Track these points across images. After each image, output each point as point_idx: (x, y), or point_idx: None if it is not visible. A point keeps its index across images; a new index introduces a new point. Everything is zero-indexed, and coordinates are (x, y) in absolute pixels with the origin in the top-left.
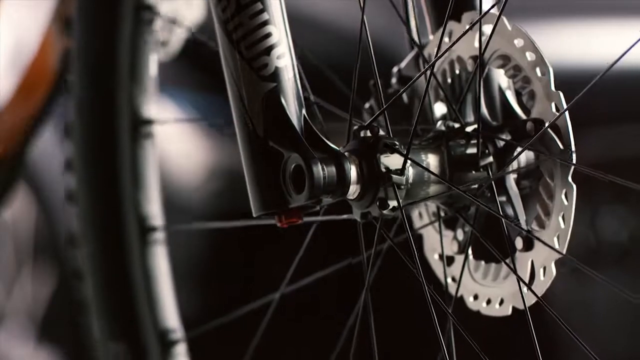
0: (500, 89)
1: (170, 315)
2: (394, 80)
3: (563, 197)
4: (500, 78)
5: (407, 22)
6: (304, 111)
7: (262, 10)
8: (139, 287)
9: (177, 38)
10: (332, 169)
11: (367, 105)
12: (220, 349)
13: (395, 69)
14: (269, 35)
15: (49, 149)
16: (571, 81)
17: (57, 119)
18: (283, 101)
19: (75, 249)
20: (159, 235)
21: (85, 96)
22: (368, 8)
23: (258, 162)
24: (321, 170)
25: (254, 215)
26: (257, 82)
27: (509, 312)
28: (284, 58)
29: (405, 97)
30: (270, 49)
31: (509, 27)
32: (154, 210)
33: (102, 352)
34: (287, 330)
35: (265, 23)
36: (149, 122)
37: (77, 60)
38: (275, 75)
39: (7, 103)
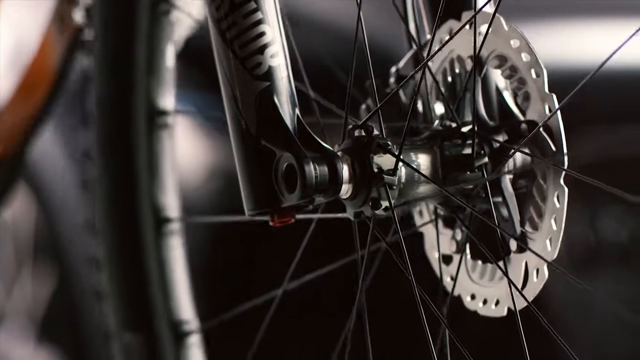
0: (497, 89)
1: (184, 306)
2: (392, 79)
3: (555, 199)
4: (498, 78)
5: (405, 21)
6: (297, 110)
7: (256, 10)
8: (154, 278)
9: (178, 38)
10: (324, 169)
11: (363, 106)
12: (221, 346)
13: (393, 69)
14: (262, 34)
15: (49, 149)
16: (570, 82)
17: (57, 118)
18: (276, 100)
19: (93, 237)
20: (175, 227)
21: (103, 87)
22: (367, 8)
23: (250, 161)
24: (313, 170)
25: (247, 214)
26: (250, 81)
27: (505, 313)
28: (277, 57)
29: (404, 97)
30: (263, 48)
31: (506, 28)
32: (170, 202)
33: (116, 342)
34: (289, 327)
35: (259, 22)
36: (165, 113)
37: (96, 52)
38: (268, 74)
39: (7, 103)
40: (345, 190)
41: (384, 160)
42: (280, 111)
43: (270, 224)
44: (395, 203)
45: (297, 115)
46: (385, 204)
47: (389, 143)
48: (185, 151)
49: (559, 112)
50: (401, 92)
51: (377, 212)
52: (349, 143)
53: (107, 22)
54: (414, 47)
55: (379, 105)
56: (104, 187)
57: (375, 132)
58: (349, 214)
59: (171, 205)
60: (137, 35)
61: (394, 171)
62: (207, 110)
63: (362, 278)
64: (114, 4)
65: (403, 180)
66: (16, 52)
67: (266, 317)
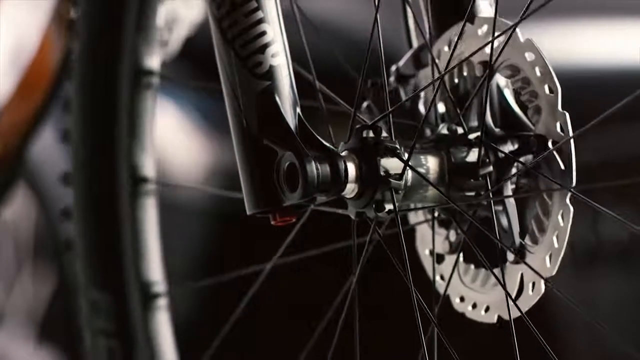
0: (507, 98)
1: (154, 267)
2: (392, 78)
3: (559, 217)
4: (508, 87)
5: (406, 20)
6: (298, 109)
7: (257, 9)
8: (126, 237)
9: (176, 38)
10: (326, 168)
11: (365, 104)
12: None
13: (393, 68)
14: (263, 33)
15: (49, 149)
16: (572, 81)
17: (57, 118)
18: (277, 99)
19: (68, 187)
20: (150, 187)
21: (88, 40)
22: (365, 7)
23: (252, 160)
24: (315, 169)
25: (248, 213)
26: (251, 80)
27: (494, 320)
28: (278, 56)
29: (404, 96)
30: (264, 47)
31: (522, 39)
32: (147, 162)
33: (83, 299)
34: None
35: (260, 21)
36: (150, 72)
37: (82, 5)
38: (269, 74)
39: (7, 103)
40: (351, 189)
41: (391, 164)
42: (282, 110)
43: (272, 222)
44: (399, 207)
45: (299, 114)
46: (389, 206)
47: (398, 147)
48: (185, 152)
49: (570, 131)
50: (402, 92)
51: (379, 214)
52: (357, 143)
53: None
54: (414, 47)
55: (390, 110)
56: (81, 139)
57: (384, 133)
58: (350, 212)
59: (149, 165)
60: None
61: (400, 176)
62: (208, 114)
63: (357, 272)
64: None
65: (409, 183)
66: (16, 52)
67: (250, 290)
